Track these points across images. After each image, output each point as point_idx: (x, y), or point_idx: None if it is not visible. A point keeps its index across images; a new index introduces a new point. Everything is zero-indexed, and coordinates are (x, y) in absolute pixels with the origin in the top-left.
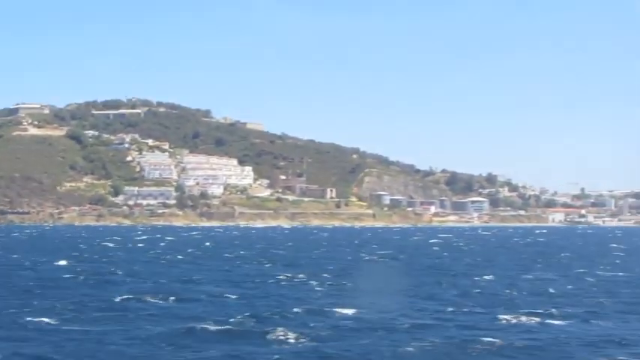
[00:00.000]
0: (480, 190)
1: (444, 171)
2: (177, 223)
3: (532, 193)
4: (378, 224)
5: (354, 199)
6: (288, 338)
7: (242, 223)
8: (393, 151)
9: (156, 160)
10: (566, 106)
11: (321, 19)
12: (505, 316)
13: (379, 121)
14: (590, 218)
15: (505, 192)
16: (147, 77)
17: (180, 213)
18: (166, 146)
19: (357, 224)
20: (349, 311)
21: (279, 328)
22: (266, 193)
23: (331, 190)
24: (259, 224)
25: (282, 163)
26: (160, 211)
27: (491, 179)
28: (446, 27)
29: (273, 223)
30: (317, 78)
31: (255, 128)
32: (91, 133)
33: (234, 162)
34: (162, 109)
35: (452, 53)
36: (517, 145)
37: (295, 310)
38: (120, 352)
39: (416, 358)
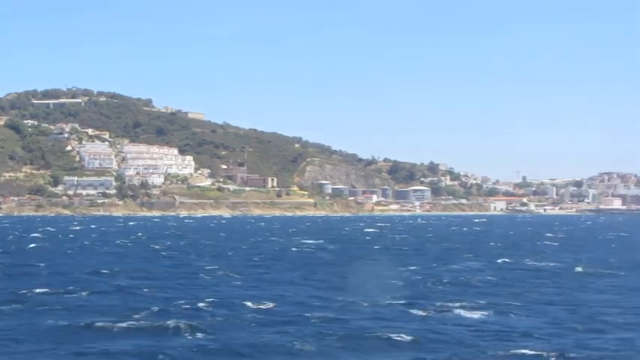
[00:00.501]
0: (422, 179)
1: (386, 160)
2: (118, 213)
3: (474, 181)
4: (320, 214)
5: (295, 188)
6: (190, 331)
7: (183, 213)
8: (335, 140)
9: (96, 150)
10: (507, 95)
11: (261, 6)
12: (416, 309)
13: (322, 110)
14: (532, 206)
15: (447, 181)
16: (87, 66)
17: (121, 203)
18: (107, 136)
19: (298, 213)
20: (262, 304)
21: (183, 321)
22: (207, 182)
23: (272, 180)
24: (200, 214)
25: (223, 153)
26: (100, 201)
27: (433, 168)
28: (386, 9)
29: (213, 213)
30: (259, 67)
31: (197, 118)
32: (30, 122)
33: (175, 151)
34: (102, 99)
35: (392, 38)
36: (459, 134)
37: (206, 302)
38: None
39: (311, 352)
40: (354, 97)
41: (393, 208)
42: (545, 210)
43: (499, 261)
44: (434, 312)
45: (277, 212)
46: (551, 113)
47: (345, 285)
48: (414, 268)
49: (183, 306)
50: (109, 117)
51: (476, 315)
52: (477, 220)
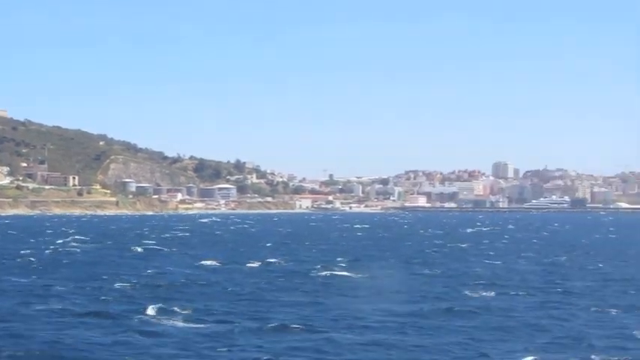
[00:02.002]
0: (229, 177)
1: (192, 158)
2: None
3: (280, 179)
4: (123, 212)
5: (97, 186)
6: None
7: None
8: (142, 137)
9: None
10: (314, 94)
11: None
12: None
13: (128, 107)
14: (337, 204)
15: (253, 179)
16: None
17: None
18: None
19: (99, 212)
20: None
21: None
22: (5, 181)
23: (74, 178)
24: None
25: (24, 150)
26: None
27: (239, 166)
28: (199, 6)
29: (12, 212)
30: (63, 63)
31: None
32: None
33: None
34: None
35: (201, 36)
36: (266, 132)
37: None
38: None
39: None
40: (161, 94)
41: (198, 207)
42: (350, 208)
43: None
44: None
45: (78, 211)
46: (359, 112)
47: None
48: (150, 271)
49: None
50: None
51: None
52: (276, 219)
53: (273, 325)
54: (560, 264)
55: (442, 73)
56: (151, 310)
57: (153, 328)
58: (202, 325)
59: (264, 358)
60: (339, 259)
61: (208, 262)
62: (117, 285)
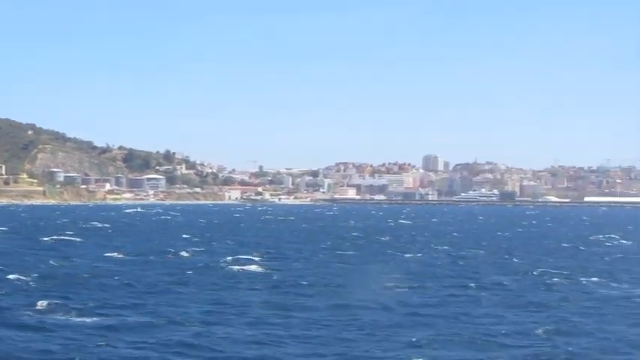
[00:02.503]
0: (158, 168)
1: (121, 148)
2: None
3: (210, 170)
4: (50, 202)
5: (25, 176)
6: None
7: None
8: (71, 127)
9: None
10: (244, 85)
11: None
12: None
13: (57, 96)
14: (267, 196)
15: (183, 169)
16: None
17: None
18: None
19: (26, 202)
20: None
21: None
22: None
23: (1, 167)
24: None
25: None
26: None
27: (169, 157)
28: None
29: None
30: None
31: None
32: None
33: None
34: None
35: (126, 23)
36: (196, 123)
37: None
38: None
39: None
40: (90, 84)
41: (127, 197)
42: (280, 199)
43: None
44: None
45: (5, 200)
46: (289, 103)
47: None
48: (53, 262)
49: None
50: None
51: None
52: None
53: (162, 319)
54: (474, 257)
55: (374, 65)
56: (41, 304)
57: (36, 323)
58: (90, 320)
59: (138, 353)
60: (253, 251)
61: (116, 254)
62: (12, 277)
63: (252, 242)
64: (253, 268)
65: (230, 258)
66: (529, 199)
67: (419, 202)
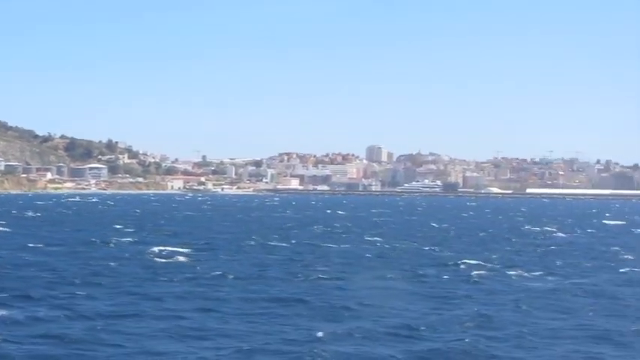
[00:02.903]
0: (100, 157)
1: (62, 137)
2: None
3: (152, 160)
4: None
5: None
6: None
7: None
8: (12, 115)
9: None
10: (187, 74)
11: None
12: None
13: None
14: (210, 185)
15: (125, 159)
16: None
17: None
18: None
19: None
20: None
21: None
22: None
23: None
24: None
25: None
26: None
27: (111, 146)
28: None
29: None
30: None
31: None
32: None
33: None
34: None
35: (83, 13)
36: (138, 112)
37: None
38: None
39: None
40: (33, 72)
41: (68, 186)
42: (222, 189)
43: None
44: None
45: None
46: (233, 92)
47: None
48: None
49: None
50: None
51: None
52: (149, 200)
53: (73, 313)
54: (404, 249)
55: (316, 54)
56: None
57: None
58: None
59: (35, 348)
60: (181, 242)
61: (41, 245)
62: None
63: (184, 233)
64: (178, 259)
65: (157, 249)
66: (472, 190)
67: (362, 193)
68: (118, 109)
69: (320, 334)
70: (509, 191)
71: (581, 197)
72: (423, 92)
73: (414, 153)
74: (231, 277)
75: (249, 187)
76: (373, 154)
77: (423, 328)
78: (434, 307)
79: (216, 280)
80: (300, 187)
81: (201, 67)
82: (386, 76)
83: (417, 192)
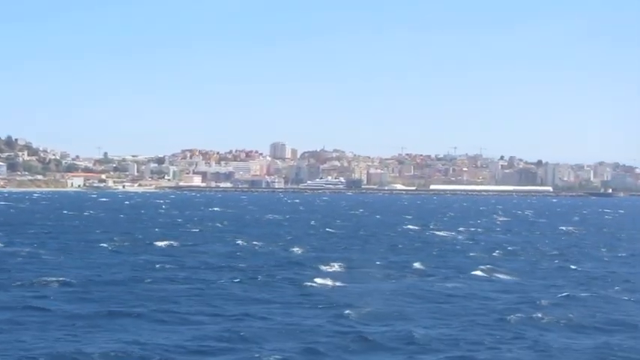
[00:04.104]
0: None
1: None
2: None
3: (53, 157)
4: None
5: None
6: None
7: None
8: None
9: None
10: (89, 71)
11: None
12: None
13: None
14: (111, 183)
15: (25, 156)
16: None
17: None
18: None
19: None
20: None
21: None
22: None
23: None
24: None
25: None
26: None
27: (10, 143)
28: None
29: None
30: None
31: None
32: None
33: None
34: None
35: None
36: (39, 109)
37: None
38: None
39: None
40: None
41: None
42: (124, 186)
43: None
44: None
45: None
46: (133, 89)
47: None
48: None
49: None
50: None
51: None
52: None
53: None
54: (250, 249)
55: (218, 50)
56: None
57: None
58: None
59: None
60: (28, 242)
61: None
62: None
63: (41, 233)
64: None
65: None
66: (375, 186)
67: (265, 190)
68: (18, 106)
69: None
70: (413, 188)
71: (485, 193)
72: (327, 89)
73: (317, 150)
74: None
75: (151, 185)
76: (277, 150)
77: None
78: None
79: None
80: (203, 185)
81: (100, 63)
82: (290, 73)
83: (320, 189)
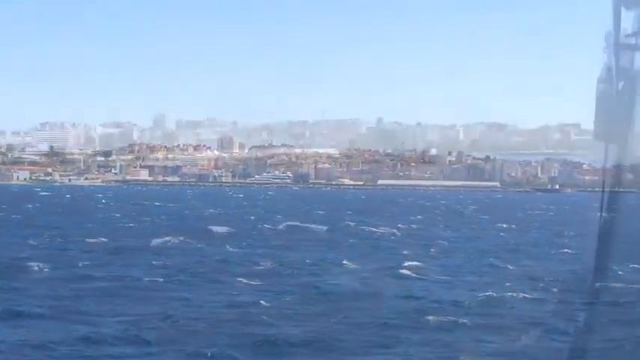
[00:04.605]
0: None
1: None
2: None
3: None
4: None
5: None
6: None
7: None
8: None
9: None
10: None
11: None
12: None
13: None
14: (57, 176)
15: None
16: None
17: None
18: None
19: None
20: None
21: None
22: None
23: None
24: None
25: None
26: None
27: None
28: None
29: None
30: None
31: None
32: None
33: None
34: None
35: None
36: None
37: None
38: None
39: None
40: None
41: None
42: (70, 180)
43: None
44: None
45: None
46: (79, 78)
47: None
48: None
49: None
50: None
51: None
52: None
53: None
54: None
55: (145, 40)
56: None
57: None
58: None
59: None
60: None
61: None
62: None
63: None
64: None
65: None
66: (323, 181)
67: (213, 184)
68: None
69: None
70: (361, 182)
71: (432, 188)
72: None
73: (265, 144)
74: None
75: (97, 178)
76: (225, 144)
77: None
78: None
79: None
80: (150, 179)
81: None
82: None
83: (267, 183)
